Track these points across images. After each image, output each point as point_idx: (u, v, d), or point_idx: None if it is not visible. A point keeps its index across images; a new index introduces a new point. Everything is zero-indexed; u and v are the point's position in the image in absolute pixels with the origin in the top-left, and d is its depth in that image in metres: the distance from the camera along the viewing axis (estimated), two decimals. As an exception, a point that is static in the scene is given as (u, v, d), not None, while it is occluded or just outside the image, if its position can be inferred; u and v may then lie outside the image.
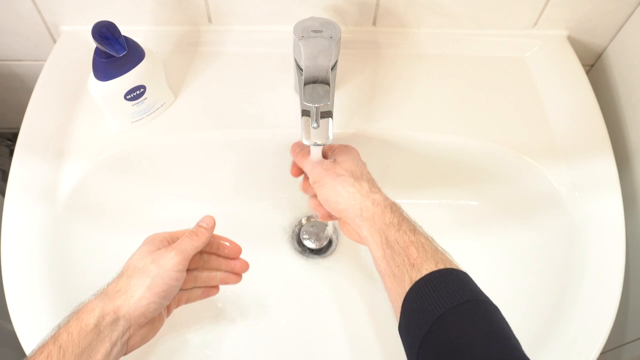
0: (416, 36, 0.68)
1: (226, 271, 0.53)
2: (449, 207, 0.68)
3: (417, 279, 0.41)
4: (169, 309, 0.49)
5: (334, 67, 0.55)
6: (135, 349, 0.45)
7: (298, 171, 0.58)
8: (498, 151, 0.62)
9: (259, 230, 0.67)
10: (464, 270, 0.42)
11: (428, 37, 0.68)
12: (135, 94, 0.58)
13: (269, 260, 0.65)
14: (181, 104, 0.64)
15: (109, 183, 0.61)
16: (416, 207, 0.67)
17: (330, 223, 0.68)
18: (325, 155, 0.54)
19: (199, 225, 0.50)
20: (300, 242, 0.68)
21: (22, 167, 0.58)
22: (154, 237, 0.48)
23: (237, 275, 0.54)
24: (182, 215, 0.66)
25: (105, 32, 0.50)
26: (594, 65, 0.75)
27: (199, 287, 0.52)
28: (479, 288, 0.41)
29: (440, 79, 0.67)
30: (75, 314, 0.42)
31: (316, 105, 0.49)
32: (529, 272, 0.61)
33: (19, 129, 0.60)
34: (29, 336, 0.51)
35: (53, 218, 0.57)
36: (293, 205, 0.69)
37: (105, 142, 0.61)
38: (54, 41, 0.69)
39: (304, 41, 0.51)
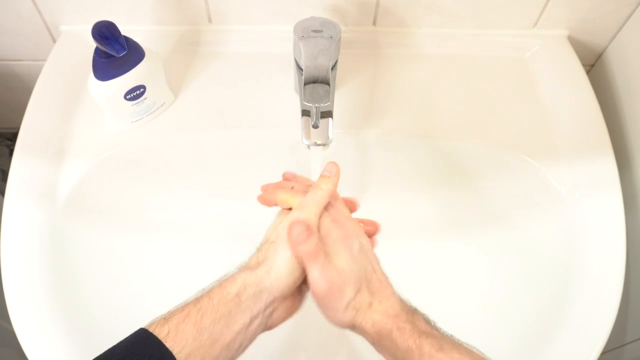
0: (416, 36, 0.68)
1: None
2: (449, 207, 0.68)
3: None
4: None
5: (334, 67, 0.55)
6: (279, 324, 0.43)
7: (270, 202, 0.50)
8: (498, 151, 0.62)
9: (258, 230, 0.67)
10: None
11: (428, 37, 0.68)
12: (135, 93, 0.58)
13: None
14: (181, 104, 0.64)
15: (108, 183, 0.61)
16: (416, 207, 0.68)
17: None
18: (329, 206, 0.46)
19: (322, 176, 0.46)
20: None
21: (22, 167, 0.58)
22: (280, 191, 0.46)
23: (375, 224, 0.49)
24: (182, 215, 0.66)
25: (105, 32, 0.50)
26: (594, 65, 0.75)
27: None
28: None
29: (440, 79, 0.67)
30: (219, 282, 0.41)
31: (316, 105, 0.49)
32: (529, 272, 0.61)
33: (18, 128, 0.60)
34: (28, 336, 0.50)
35: (53, 218, 0.57)
36: (293, 205, 0.69)
37: (105, 142, 0.61)
38: (54, 41, 0.69)
39: (304, 41, 0.51)
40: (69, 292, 0.54)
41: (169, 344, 0.36)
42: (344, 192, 0.69)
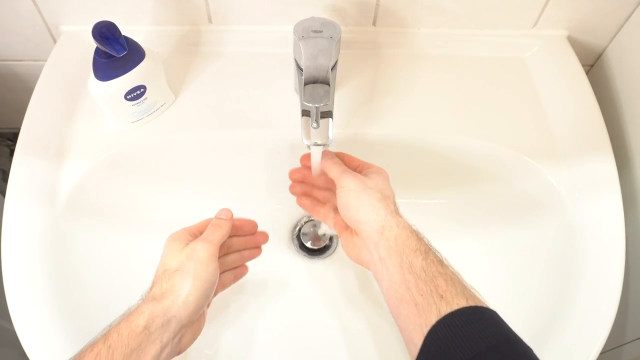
0: (416, 36, 0.68)
1: (249, 248, 0.54)
2: (449, 207, 0.68)
3: (446, 312, 0.39)
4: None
5: (334, 67, 0.55)
6: (187, 348, 0.45)
7: (300, 177, 0.57)
8: (498, 151, 0.62)
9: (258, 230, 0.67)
10: (494, 310, 0.40)
11: (428, 37, 0.68)
12: (136, 94, 0.58)
13: (269, 260, 0.65)
14: (181, 104, 0.64)
15: (109, 183, 0.61)
16: (416, 207, 0.68)
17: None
18: (357, 170, 0.53)
19: (218, 218, 0.50)
20: (300, 242, 0.68)
21: (22, 167, 0.58)
22: (177, 236, 0.48)
23: (258, 248, 0.56)
24: (182, 215, 0.66)
25: (106, 32, 0.50)
26: (594, 65, 0.75)
27: (229, 270, 0.53)
28: (511, 329, 0.39)
29: (440, 79, 0.67)
30: (126, 316, 0.42)
31: (316, 105, 0.49)
32: (528, 272, 0.61)
33: (19, 129, 0.60)
34: (29, 336, 0.51)
35: (53, 218, 0.57)
36: (293, 205, 0.69)
37: (105, 142, 0.61)
38: (54, 41, 0.69)
39: (304, 41, 0.52)
40: (70, 291, 0.54)
41: None
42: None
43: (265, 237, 0.56)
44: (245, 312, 0.62)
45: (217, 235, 0.48)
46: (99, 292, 0.57)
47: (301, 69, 0.51)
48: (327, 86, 0.49)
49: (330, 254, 0.67)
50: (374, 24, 0.67)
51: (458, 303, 0.39)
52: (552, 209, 0.61)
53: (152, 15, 0.66)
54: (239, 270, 0.54)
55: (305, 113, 0.50)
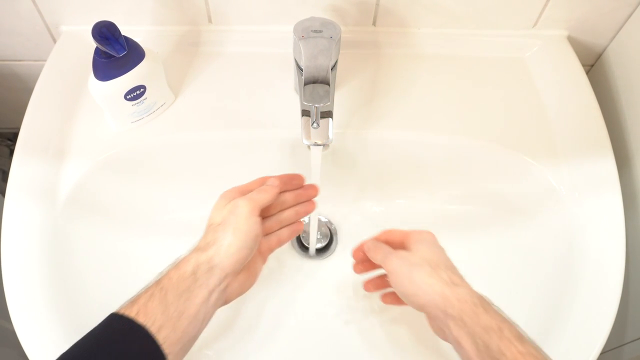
0: (416, 36, 0.68)
1: (301, 202, 0.54)
2: (449, 207, 0.68)
3: None
4: (263, 256, 0.51)
5: (334, 67, 0.55)
6: (234, 298, 0.47)
7: (363, 269, 0.55)
8: (498, 151, 0.62)
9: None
10: None
11: (428, 37, 0.68)
12: (136, 94, 0.58)
13: (269, 260, 0.65)
14: (181, 104, 0.64)
15: (109, 183, 0.61)
16: (416, 207, 0.68)
17: (332, 223, 0.69)
18: (398, 245, 0.51)
19: (267, 185, 0.51)
20: (300, 242, 0.68)
21: (22, 167, 0.58)
22: (225, 193, 0.50)
23: (311, 202, 0.55)
24: (182, 215, 0.66)
25: (106, 32, 0.50)
26: (594, 65, 0.75)
27: (285, 227, 0.54)
28: None
29: (440, 79, 0.67)
30: (174, 265, 0.45)
31: (316, 105, 0.49)
32: (528, 272, 0.61)
33: (19, 129, 0.60)
34: (29, 336, 0.51)
35: (53, 218, 0.57)
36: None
37: (105, 142, 0.61)
38: (54, 41, 0.69)
39: (304, 41, 0.52)
40: (70, 291, 0.54)
41: (140, 320, 0.40)
42: (343, 190, 0.69)
43: (315, 189, 0.54)
44: (245, 311, 0.62)
45: (261, 196, 0.49)
46: (99, 292, 0.57)
47: (301, 69, 0.51)
48: (327, 86, 0.49)
49: (330, 254, 0.67)
50: (374, 24, 0.67)
51: None
52: (552, 209, 0.61)
53: (152, 15, 0.66)
54: (294, 226, 0.54)
55: (305, 113, 0.50)
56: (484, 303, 0.42)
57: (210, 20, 0.67)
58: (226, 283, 0.45)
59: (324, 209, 0.69)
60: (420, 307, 0.45)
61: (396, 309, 0.62)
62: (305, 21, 0.54)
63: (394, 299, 0.53)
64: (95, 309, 0.54)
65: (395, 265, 0.47)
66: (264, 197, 0.49)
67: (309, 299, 0.64)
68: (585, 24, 0.68)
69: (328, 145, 0.51)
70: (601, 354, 0.52)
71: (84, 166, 0.59)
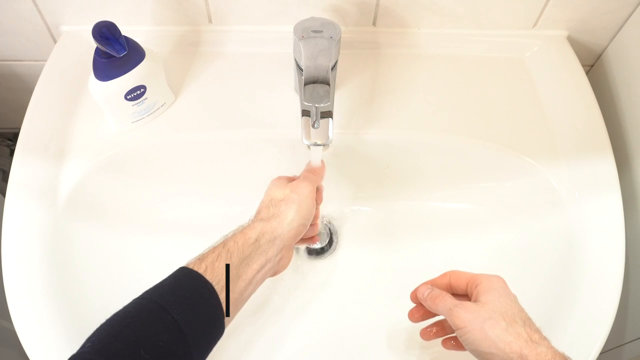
0: (416, 36, 0.68)
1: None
2: (449, 206, 0.68)
3: None
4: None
5: (334, 67, 0.55)
6: (281, 271, 0.51)
7: (421, 316, 0.51)
8: (498, 151, 0.62)
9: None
10: None
11: (428, 37, 0.68)
12: (136, 94, 0.58)
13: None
14: (181, 104, 0.64)
15: (109, 183, 0.61)
16: (416, 207, 0.68)
17: (332, 223, 0.69)
18: (462, 291, 0.47)
19: (316, 167, 0.55)
20: (300, 242, 0.68)
21: (22, 167, 0.58)
22: (278, 177, 0.54)
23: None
24: (182, 215, 0.66)
25: (106, 32, 0.50)
26: (594, 65, 0.75)
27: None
28: None
29: (440, 79, 0.67)
30: (240, 230, 0.48)
31: (316, 105, 0.49)
32: (528, 272, 0.61)
33: (19, 129, 0.60)
34: (29, 336, 0.51)
35: (53, 218, 0.57)
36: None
37: (105, 142, 0.61)
38: (55, 41, 0.69)
39: (304, 41, 0.52)
40: (70, 291, 0.54)
41: (207, 276, 0.42)
42: (344, 190, 0.69)
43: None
44: (245, 311, 0.62)
45: (315, 178, 0.53)
46: (99, 292, 0.57)
47: (301, 69, 0.52)
48: (327, 86, 0.49)
49: (330, 254, 0.67)
50: (374, 24, 0.67)
51: None
52: (552, 209, 0.61)
53: (152, 15, 0.66)
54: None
55: (305, 113, 0.50)
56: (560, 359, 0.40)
57: (210, 21, 0.67)
58: (281, 255, 0.49)
59: (324, 209, 0.69)
60: None
61: (397, 310, 0.62)
62: (305, 21, 0.54)
63: (457, 345, 0.49)
64: (96, 308, 0.54)
65: (465, 320, 0.43)
66: (318, 178, 0.54)
67: (309, 299, 0.64)
68: (585, 24, 0.68)
69: (328, 145, 0.51)
70: (601, 353, 0.52)
71: (84, 166, 0.59)
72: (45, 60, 0.66)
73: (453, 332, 0.49)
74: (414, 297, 0.50)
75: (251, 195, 0.68)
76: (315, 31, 0.52)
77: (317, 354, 0.60)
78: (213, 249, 0.46)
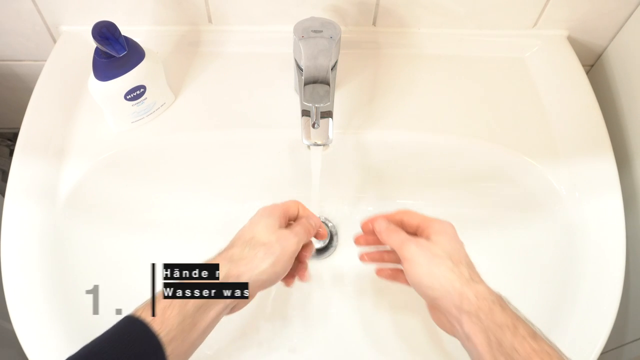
0: (416, 36, 0.68)
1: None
2: (449, 206, 0.68)
3: None
4: None
5: (334, 67, 0.55)
6: (235, 312, 0.47)
7: (365, 242, 0.53)
8: (498, 151, 0.62)
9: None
10: None
11: (428, 37, 0.68)
12: (136, 94, 0.58)
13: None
14: (181, 104, 0.64)
15: (109, 183, 0.61)
16: (416, 207, 0.68)
17: (332, 223, 0.69)
18: (414, 230, 0.49)
19: (309, 224, 0.50)
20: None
21: (22, 167, 0.58)
22: (272, 211, 0.49)
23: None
24: (182, 215, 0.66)
25: (106, 32, 0.50)
26: (594, 65, 0.75)
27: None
28: None
29: (440, 79, 0.67)
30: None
31: (316, 105, 0.49)
32: (528, 272, 0.61)
33: (19, 129, 0.60)
34: (29, 336, 0.51)
35: (53, 218, 0.57)
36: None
37: (105, 142, 0.61)
38: (54, 41, 0.69)
39: (304, 41, 0.52)
40: (69, 291, 0.54)
41: (155, 328, 0.39)
42: (344, 190, 0.69)
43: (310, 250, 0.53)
44: (245, 311, 0.62)
45: (305, 238, 0.49)
46: (99, 292, 0.57)
47: (301, 69, 0.51)
48: (327, 86, 0.49)
49: (330, 254, 0.67)
50: (374, 24, 0.67)
51: None
52: (552, 209, 0.61)
53: (152, 15, 0.66)
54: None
55: (305, 113, 0.50)
56: (502, 301, 0.42)
57: (210, 20, 0.67)
58: (239, 300, 0.45)
59: (324, 209, 0.69)
60: (431, 299, 0.44)
61: (397, 309, 0.62)
62: (305, 21, 0.54)
63: (390, 275, 0.52)
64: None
65: (414, 253, 0.45)
66: (307, 239, 0.50)
67: (309, 299, 0.64)
68: (585, 24, 0.68)
69: (328, 145, 0.51)
70: (601, 354, 0.52)
71: (84, 166, 0.59)
72: (45, 60, 0.66)
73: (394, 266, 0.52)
74: (366, 226, 0.52)
75: (251, 195, 0.68)
76: (315, 31, 0.52)
77: (317, 353, 0.60)
78: None
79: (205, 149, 0.64)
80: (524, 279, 0.61)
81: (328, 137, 0.50)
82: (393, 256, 0.52)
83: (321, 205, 0.69)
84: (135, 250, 0.62)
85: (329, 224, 0.69)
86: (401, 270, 0.50)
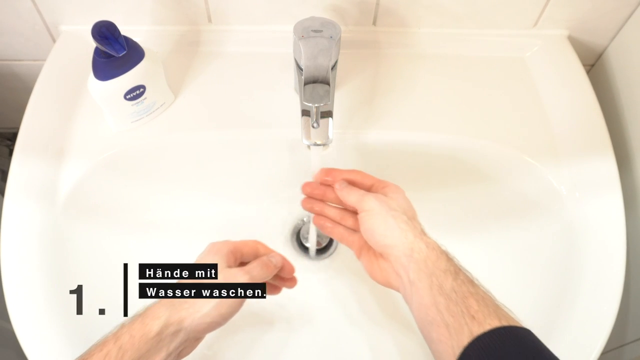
0: (416, 36, 0.68)
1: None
2: (449, 206, 0.68)
3: (479, 332, 0.38)
4: None
5: (334, 67, 0.55)
6: (184, 357, 0.45)
7: (312, 191, 0.54)
8: (498, 151, 0.62)
9: (258, 230, 0.67)
10: (529, 329, 0.40)
11: (428, 37, 0.68)
12: (135, 93, 0.57)
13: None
14: (181, 103, 0.64)
15: (108, 183, 0.61)
16: (416, 207, 0.68)
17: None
18: (367, 189, 0.51)
19: (270, 260, 0.49)
20: (300, 242, 0.68)
21: (21, 167, 0.58)
22: (220, 249, 0.47)
23: (277, 288, 0.53)
24: (182, 216, 0.66)
25: (105, 32, 0.50)
26: (594, 65, 0.75)
27: None
28: (548, 348, 0.39)
29: (440, 79, 0.67)
30: (141, 316, 0.42)
31: (316, 105, 0.49)
32: (529, 272, 0.61)
33: (18, 128, 0.60)
34: (28, 336, 0.50)
35: (53, 218, 0.57)
36: (293, 205, 0.69)
37: (105, 142, 0.61)
38: (54, 41, 0.69)
39: (304, 41, 0.51)
40: (69, 292, 0.54)
41: None
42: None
43: (293, 282, 0.54)
44: (244, 312, 0.62)
45: (261, 275, 0.47)
46: (99, 292, 0.57)
47: (301, 69, 0.51)
48: (327, 86, 0.49)
49: (330, 254, 0.67)
50: (374, 23, 0.67)
51: (490, 323, 0.39)
52: (552, 209, 0.61)
53: (152, 15, 0.66)
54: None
55: (305, 113, 0.50)
56: (449, 255, 0.46)
57: (210, 20, 0.67)
58: (184, 346, 0.44)
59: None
60: (384, 247, 0.47)
61: (398, 308, 0.62)
62: (305, 21, 0.53)
63: (330, 229, 0.53)
64: (95, 309, 0.54)
65: (373, 205, 0.48)
66: (264, 276, 0.47)
67: (309, 299, 0.64)
68: (586, 24, 0.68)
69: (328, 145, 0.51)
70: (602, 354, 0.52)
71: (83, 166, 0.59)
72: (45, 60, 0.66)
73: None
74: (321, 178, 0.53)
75: (251, 195, 0.68)
76: (315, 31, 0.52)
77: (317, 354, 0.60)
78: (102, 344, 0.40)
79: (205, 148, 0.64)
80: (524, 279, 0.61)
81: (328, 137, 0.50)
82: (338, 212, 0.53)
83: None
84: (135, 250, 0.62)
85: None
86: (337, 225, 0.53)
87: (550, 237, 0.60)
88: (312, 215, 0.56)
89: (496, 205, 0.66)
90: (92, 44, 0.52)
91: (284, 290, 0.64)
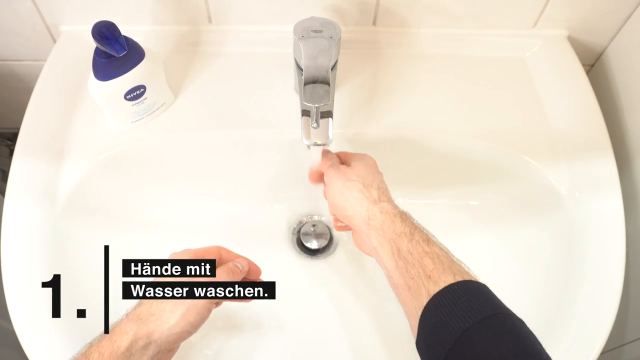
0: (416, 36, 0.68)
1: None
2: (449, 206, 0.68)
3: (434, 292, 0.39)
4: None
5: (334, 67, 0.55)
6: None
7: (318, 177, 0.56)
8: (498, 151, 0.62)
9: (259, 230, 0.67)
10: (483, 282, 0.41)
11: (428, 37, 0.68)
12: (135, 93, 0.58)
13: (269, 260, 0.65)
14: (181, 104, 0.64)
15: (108, 183, 0.61)
16: (416, 207, 0.67)
17: (331, 222, 0.68)
18: (345, 162, 0.54)
19: (235, 266, 0.49)
20: (300, 242, 0.68)
21: (22, 167, 0.58)
22: (180, 257, 0.47)
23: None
24: (182, 215, 0.66)
25: (105, 32, 0.50)
26: (594, 65, 0.75)
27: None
28: (500, 301, 0.39)
29: (440, 79, 0.67)
30: (109, 334, 0.42)
31: (316, 105, 0.49)
32: (528, 272, 0.61)
33: (19, 129, 0.60)
34: (29, 336, 0.51)
35: (53, 218, 0.57)
36: (293, 205, 0.69)
37: (105, 142, 0.61)
38: (54, 41, 0.69)
39: (304, 41, 0.52)
40: (69, 292, 0.54)
41: None
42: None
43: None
44: (244, 311, 0.62)
45: (230, 280, 0.47)
46: (98, 292, 0.57)
47: (301, 69, 0.51)
48: (327, 86, 0.49)
49: (331, 254, 0.67)
50: (374, 23, 0.67)
51: (445, 281, 0.40)
52: (552, 209, 0.61)
53: (152, 15, 0.66)
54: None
55: (305, 113, 0.50)
56: (403, 215, 0.47)
57: (210, 20, 0.67)
58: (159, 358, 0.43)
59: (324, 209, 0.69)
60: (347, 219, 0.49)
61: (398, 309, 0.62)
62: (305, 21, 0.53)
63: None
64: (95, 309, 0.54)
65: (332, 178, 0.51)
66: (235, 280, 0.47)
67: (309, 299, 0.64)
68: (586, 24, 0.68)
69: (328, 146, 0.51)
70: (601, 354, 0.52)
71: (83, 166, 0.59)
72: (45, 60, 0.66)
73: None
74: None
75: (251, 195, 0.68)
76: (315, 31, 0.52)
77: (317, 353, 0.60)
78: None
79: (205, 148, 0.64)
80: (524, 279, 0.61)
81: (328, 137, 0.50)
82: None
83: (320, 205, 0.69)
84: (135, 250, 0.62)
85: (329, 225, 0.69)
86: None
87: (550, 237, 0.60)
88: (311, 215, 0.56)
89: (496, 205, 0.66)
90: (93, 44, 0.52)
91: (284, 290, 0.64)
